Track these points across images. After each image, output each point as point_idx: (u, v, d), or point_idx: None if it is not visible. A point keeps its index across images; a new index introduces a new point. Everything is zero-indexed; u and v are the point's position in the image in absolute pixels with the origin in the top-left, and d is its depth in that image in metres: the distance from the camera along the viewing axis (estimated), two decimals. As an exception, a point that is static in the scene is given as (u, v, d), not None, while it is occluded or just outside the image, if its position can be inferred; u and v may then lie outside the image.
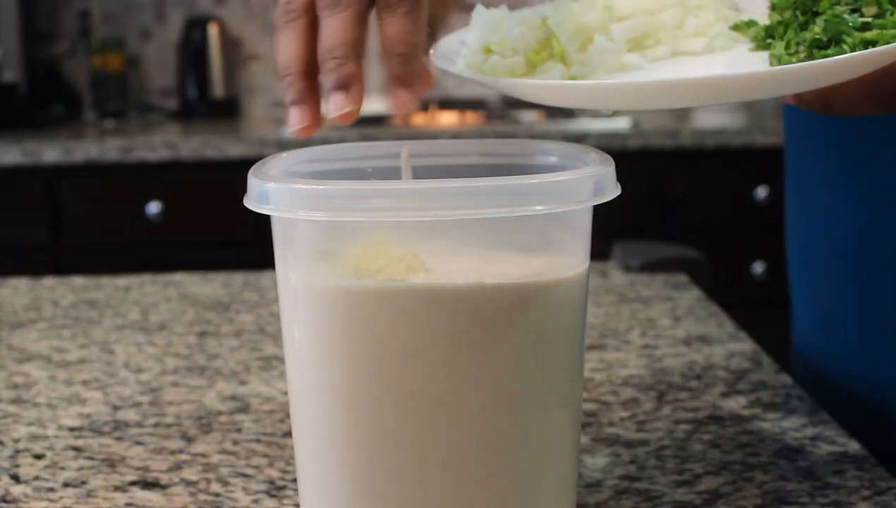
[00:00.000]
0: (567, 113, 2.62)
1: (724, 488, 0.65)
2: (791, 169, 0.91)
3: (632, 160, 2.44)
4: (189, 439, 0.74)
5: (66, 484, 0.67)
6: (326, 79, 0.56)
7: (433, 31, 0.64)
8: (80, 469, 0.70)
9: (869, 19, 0.57)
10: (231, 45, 2.99)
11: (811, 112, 0.61)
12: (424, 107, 2.74)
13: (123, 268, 1.47)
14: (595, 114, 2.57)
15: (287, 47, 0.57)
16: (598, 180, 0.53)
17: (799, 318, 0.93)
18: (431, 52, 0.65)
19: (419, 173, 0.61)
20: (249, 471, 0.69)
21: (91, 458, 0.71)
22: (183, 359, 0.92)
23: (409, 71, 0.56)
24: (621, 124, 2.51)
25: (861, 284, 0.81)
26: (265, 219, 0.55)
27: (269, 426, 0.76)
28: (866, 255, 0.80)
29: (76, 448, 0.73)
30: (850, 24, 0.57)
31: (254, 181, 0.53)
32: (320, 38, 0.56)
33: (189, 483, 0.67)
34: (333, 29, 0.55)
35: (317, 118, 0.57)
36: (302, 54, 0.57)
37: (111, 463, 0.70)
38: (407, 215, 0.52)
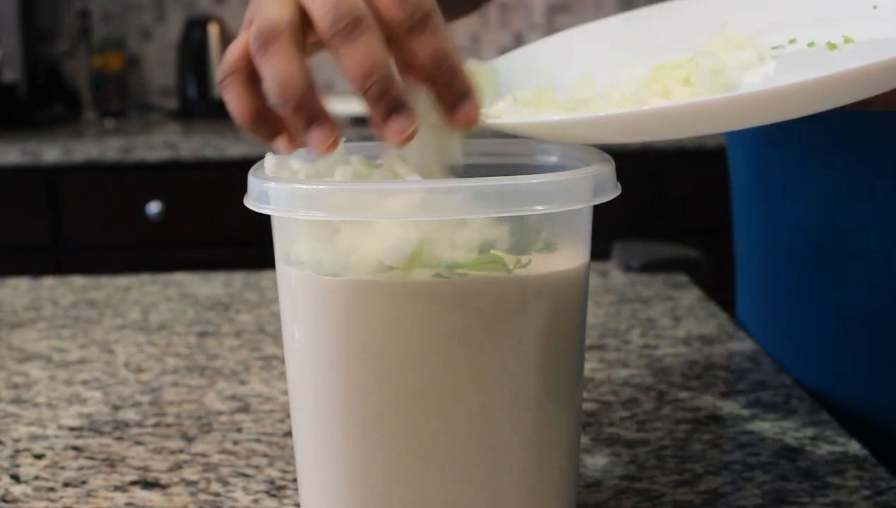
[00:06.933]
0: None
1: (724, 488, 0.65)
2: (739, 170, 0.91)
3: (632, 160, 2.43)
4: (189, 439, 0.74)
5: (66, 484, 0.67)
6: (376, 107, 0.51)
7: None
8: (81, 468, 0.70)
9: None
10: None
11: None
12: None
13: (123, 268, 1.47)
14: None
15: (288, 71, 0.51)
16: (598, 180, 0.53)
17: (745, 317, 0.94)
18: None
19: (419, 173, 0.61)
20: (249, 471, 0.69)
21: (91, 458, 0.71)
22: (183, 359, 0.92)
23: (462, 81, 0.53)
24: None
25: (819, 286, 0.82)
26: (265, 219, 0.55)
27: (269, 426, 0.76)
28: (826, 256, 0.81)
29: (76, 448, 0.73)
30: None
31: (254, 181, 0.53)
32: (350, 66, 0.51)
33: (189, 483, 0.67)
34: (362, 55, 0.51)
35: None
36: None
37: (111, 463, 0.70)
38: (407, 215, 0.52)
